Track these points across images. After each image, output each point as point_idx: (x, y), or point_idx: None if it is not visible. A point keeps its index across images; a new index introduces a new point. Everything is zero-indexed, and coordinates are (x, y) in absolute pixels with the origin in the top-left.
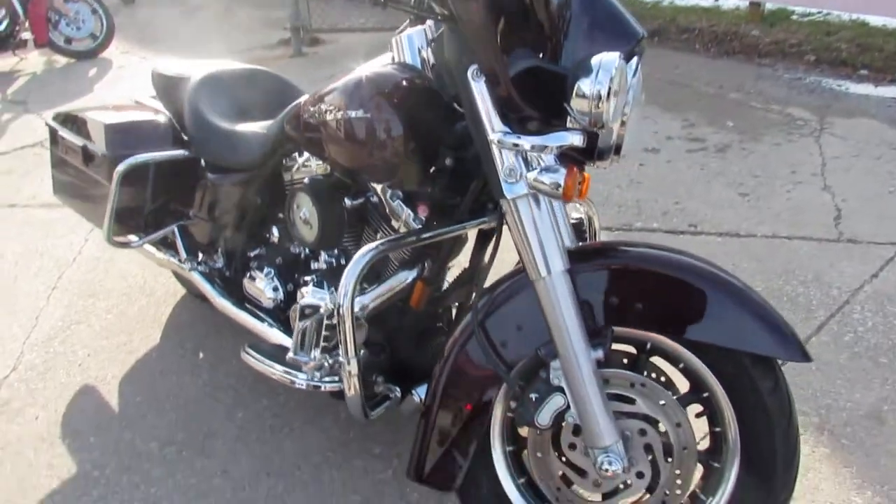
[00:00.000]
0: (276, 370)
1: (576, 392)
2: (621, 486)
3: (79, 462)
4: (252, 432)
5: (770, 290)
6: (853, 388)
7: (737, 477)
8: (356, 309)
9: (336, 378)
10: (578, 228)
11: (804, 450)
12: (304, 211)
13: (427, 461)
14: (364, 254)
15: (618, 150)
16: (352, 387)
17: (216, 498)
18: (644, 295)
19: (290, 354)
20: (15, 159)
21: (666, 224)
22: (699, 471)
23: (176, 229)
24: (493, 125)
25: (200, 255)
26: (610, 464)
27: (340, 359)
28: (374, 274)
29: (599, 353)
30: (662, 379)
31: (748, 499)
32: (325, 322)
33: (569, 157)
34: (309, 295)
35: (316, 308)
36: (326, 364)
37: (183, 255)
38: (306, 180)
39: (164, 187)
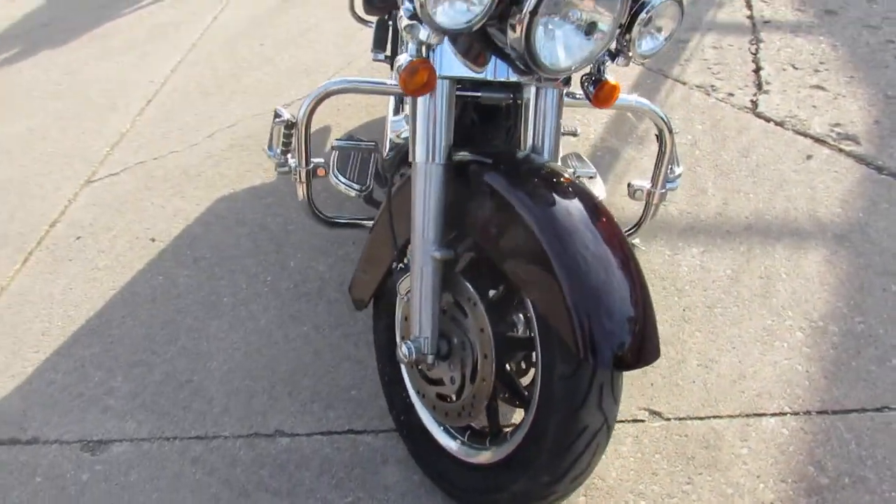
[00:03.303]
0: None
1: (411, 278)
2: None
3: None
4: None
5: None
6: None
7: (523, 435)
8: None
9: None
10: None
11: None
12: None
13: (354, 278)
14: (332, 82)
15: (533, 60)
16: (301, 192)
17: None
18: (500, 225)
19: (264, 147)
20: None
21: None
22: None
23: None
24: None
25: None
26: (400, 349)
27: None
28: None
29: (437, 253)
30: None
31: (521, 459)
32: (285, 130)
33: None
34: None
35: (281, 115)
36: (289, 164)
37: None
38: None
39: None
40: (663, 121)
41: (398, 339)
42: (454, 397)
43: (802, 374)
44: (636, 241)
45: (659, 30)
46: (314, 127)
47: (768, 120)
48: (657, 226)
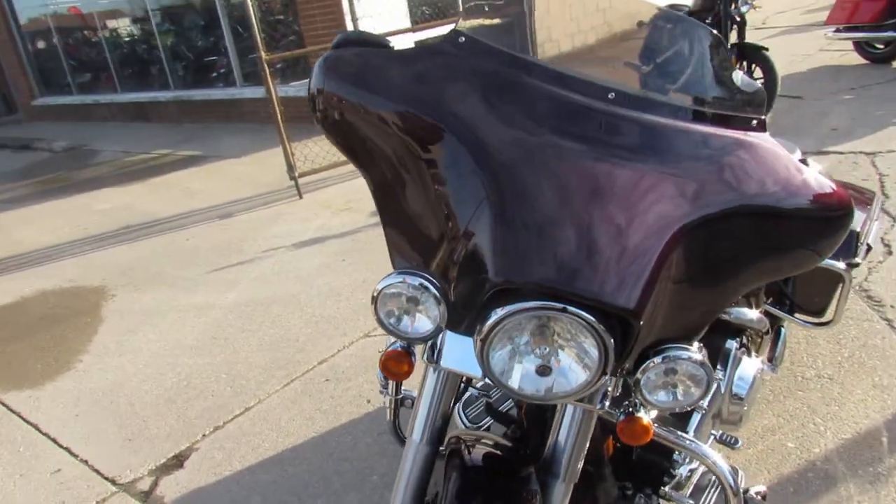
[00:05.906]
0: None
1: None
2: None
3: None
4: None
5: None
6: None
7: None
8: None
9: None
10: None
11: None
12: None
13: None
14: None
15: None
16: (389, 414)
17: None
18: None
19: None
20: None
21: None
22: None
23: None
24: None
25: None
26: None
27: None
28: None
29: None
30: None
31: None
32: None
33: None
34: None
35: None
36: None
37: None
38: None
39: None
40: (728, 482)
41: None
42: None
43: None
44: None
45: (675, 386)
46: None
47: None
48: None
